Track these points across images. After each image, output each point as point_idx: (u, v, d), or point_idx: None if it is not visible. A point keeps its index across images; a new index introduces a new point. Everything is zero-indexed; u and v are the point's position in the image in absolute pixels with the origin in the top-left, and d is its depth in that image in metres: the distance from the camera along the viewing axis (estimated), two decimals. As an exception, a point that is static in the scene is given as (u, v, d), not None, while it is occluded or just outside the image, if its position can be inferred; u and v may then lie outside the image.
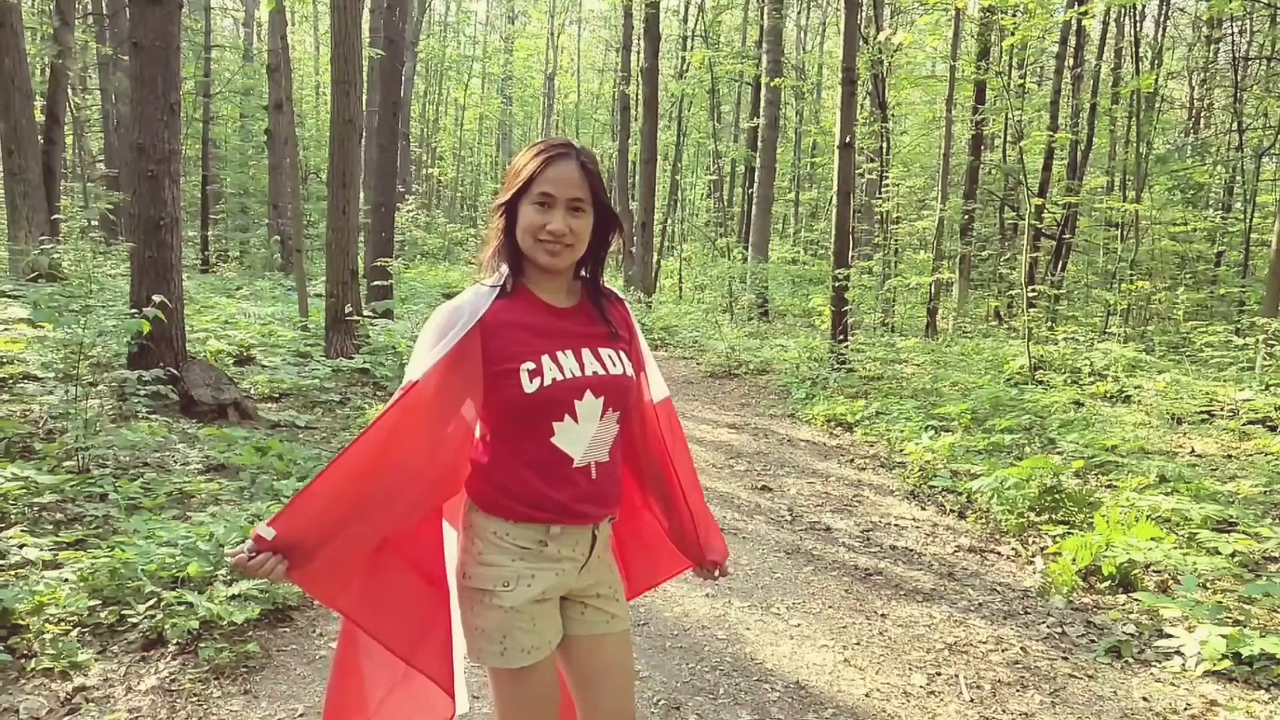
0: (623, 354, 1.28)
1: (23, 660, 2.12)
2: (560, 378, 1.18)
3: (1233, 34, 12.29)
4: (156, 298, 3.82)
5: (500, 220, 1.22)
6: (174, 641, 2.22)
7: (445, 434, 1.20)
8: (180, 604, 2.23)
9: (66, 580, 2.30)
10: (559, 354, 1.19)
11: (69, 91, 11.25)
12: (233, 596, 2.30)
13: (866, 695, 2.36)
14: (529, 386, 1.16)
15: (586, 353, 1.22)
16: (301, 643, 2.42)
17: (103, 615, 2.28)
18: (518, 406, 1.17)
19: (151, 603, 2.27)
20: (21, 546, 2.41)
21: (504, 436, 1.21)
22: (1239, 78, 11.40)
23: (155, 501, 3.02)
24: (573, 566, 1.24)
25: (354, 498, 1.13)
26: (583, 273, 1.30)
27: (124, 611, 2.27)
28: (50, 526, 2.77)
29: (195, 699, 2.06)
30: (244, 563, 1.09)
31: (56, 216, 7.73)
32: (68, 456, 3.29)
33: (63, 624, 2.23)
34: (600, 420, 1.22)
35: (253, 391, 5.38)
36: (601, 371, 1.22)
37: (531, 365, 1.17)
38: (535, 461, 1.19)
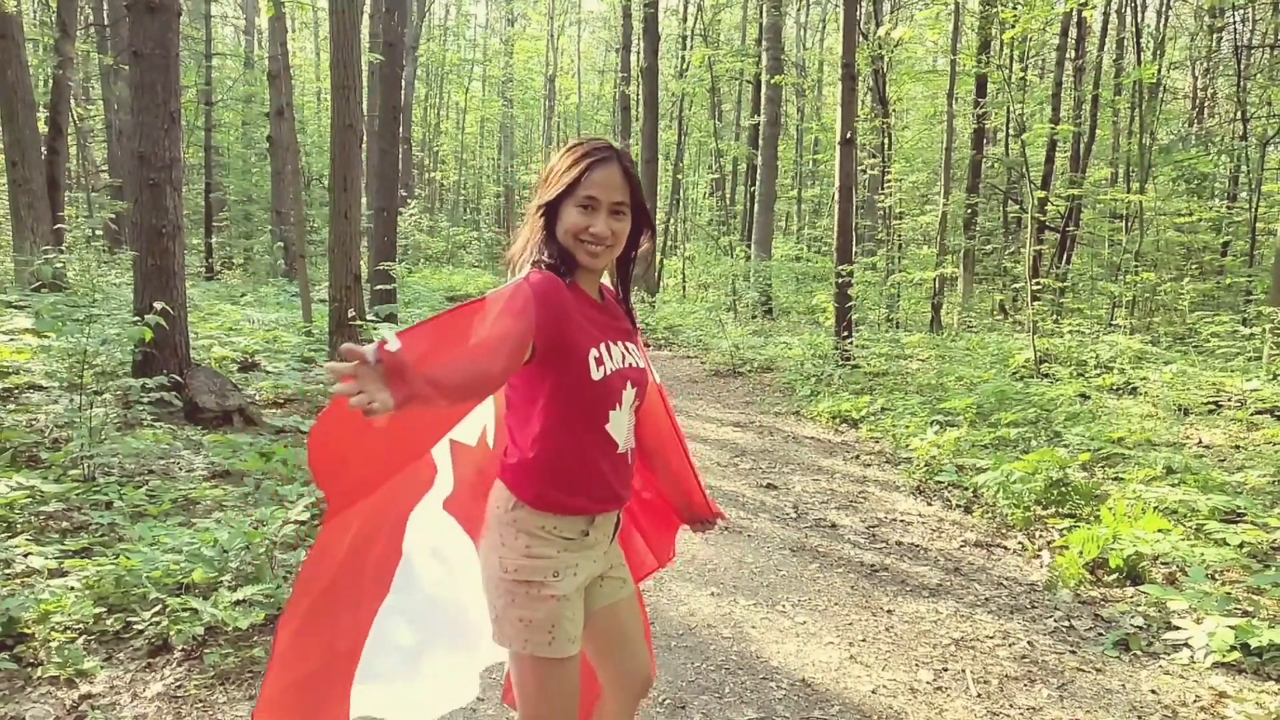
0: (638, 348, 1.36)
1: (29, 669, 2.13)
2: (614, 368, 1.25)
3: (1235, 23, 12.19)
4: (158, 305, 3.83)
5: (540, 220, 1.25)
6: (179, 648, 2.23)
7: (507, 360, 1.12)
8: (185, 610, 2.24)
9: (72, 588, 2.31)
10: (610, 345, 1.26)
11: (72, 102, 11.32)
12: (237, 602, 2.30)
13: (873, 692, 2.35)
14: (596, 374, 1.21)
15: (619, 346, 1.29)
16: (306, 647, 2.43)
17: (108, 622, 2.29)
18: (586, 394, 1.21)
19: (157, 609, 2.27)
20: (27, 555, 2.43)
21: (565, 425, 1.23)
22: (1242, 66, 11.31)
23: (160, 508, 3.03)
24: (600, 551, 1.31)
25: (450, 355, 1.08)
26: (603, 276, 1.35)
27: (129, 618, 2.28)
28: (56, 535, 2.79)
29: (200, 705, 2.07)
30: (362, 364, 0.83)
31: (59, 226, 7.77)
32: (73, 465, 3.31)
33: (69, 632, 2.24)
34: (631, 409, 1.30)
35: (257, 397, 5.39)
36: (633, 364, 1.31)
37: (596, 353, 1.22)
38: (591, 451, 1.24)
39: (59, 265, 7.16)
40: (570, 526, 1.24)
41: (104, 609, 2.32)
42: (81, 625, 2.27)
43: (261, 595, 2.38)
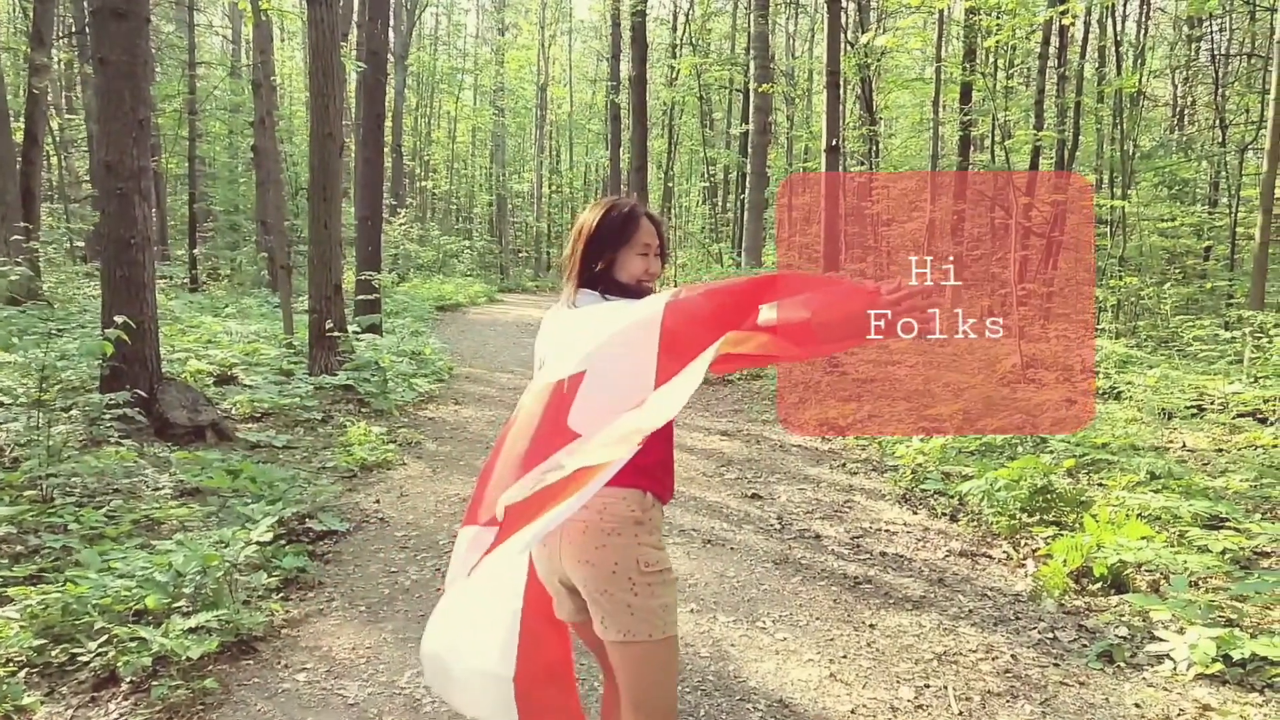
0: None
1: (-34, 703, 2.03)
2: None
3: (1213, 32, 12.36)
4: (119, 318, 3.73)
5: (599, 268, 1.48)
6: (127, 680, 2.12)
7: None
8: (133, 640, 2.14)
9: (12, 618, 2.20)
10: None
11: (49, 111, 11.17)
12: (190, 630, 2.21)
13: (852, 711, 2.28)
14: None
15: None
16: (265, 676, 2.33)
17: (52, 654, 2.18)
18: None
19: (104, 639, 2.17)
20: (-31, 582, 2.32)
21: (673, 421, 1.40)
22: (1220, 74, 11.45)
23: (119, 530, 2.92)
24: None
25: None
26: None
27: (74, 649, 2.18)
28: (5, 560, 2.68)
29: (148, 738, 1.97)
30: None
31: (16, 237, 7.62)
32: (30, 485, 3.20)
33: (9, 665, 2.13)
34: None
35: (233, 411, 5.28)
36: None
37: None
38: (673, 443, 1.46)
39: (20, 277, 7.00)
40: (662, 517, 1.42)
41: (48, 639, 2.22)
42: (23, 657, 2.16)
43: (217, 621, 2.28)
